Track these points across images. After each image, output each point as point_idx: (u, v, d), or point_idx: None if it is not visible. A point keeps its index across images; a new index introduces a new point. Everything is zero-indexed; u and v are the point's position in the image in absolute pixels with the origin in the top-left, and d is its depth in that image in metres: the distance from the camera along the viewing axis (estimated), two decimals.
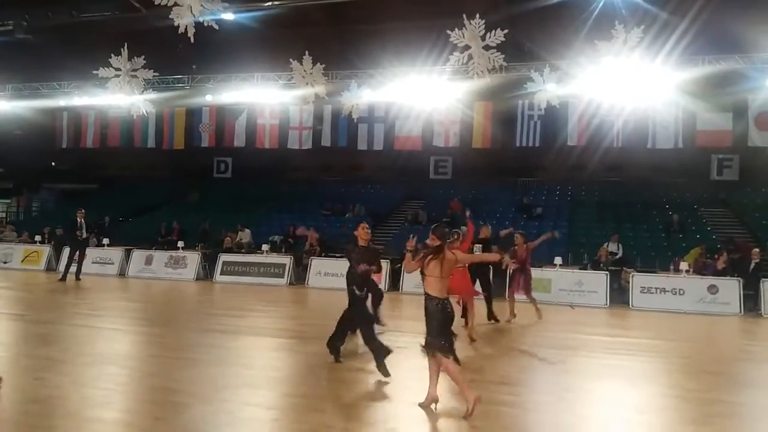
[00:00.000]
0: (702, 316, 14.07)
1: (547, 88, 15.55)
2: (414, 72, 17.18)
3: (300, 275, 18.23)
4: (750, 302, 14.51)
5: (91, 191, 31.42)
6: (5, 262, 20.68)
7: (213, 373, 7.37)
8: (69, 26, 19.02)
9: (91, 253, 19.21)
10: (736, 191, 23.50)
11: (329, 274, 17.57)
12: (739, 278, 14.67)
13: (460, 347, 9.47)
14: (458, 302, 9.94)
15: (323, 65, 15.99)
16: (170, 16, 10.87)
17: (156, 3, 10.57)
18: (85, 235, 17.78)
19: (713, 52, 15.53)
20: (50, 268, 20.12)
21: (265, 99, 19.80)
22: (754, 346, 11.33)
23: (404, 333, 10.98)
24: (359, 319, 7.78)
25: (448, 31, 12.86)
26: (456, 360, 6.34)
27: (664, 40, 13.91)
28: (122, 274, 19.31)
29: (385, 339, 8.25)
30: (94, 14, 18.19)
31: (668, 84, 15.32)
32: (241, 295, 15.79)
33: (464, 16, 12.83)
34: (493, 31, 12.63)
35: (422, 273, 6.23)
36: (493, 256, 9.08)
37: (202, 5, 10.90)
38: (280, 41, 21.30)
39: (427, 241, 6.28)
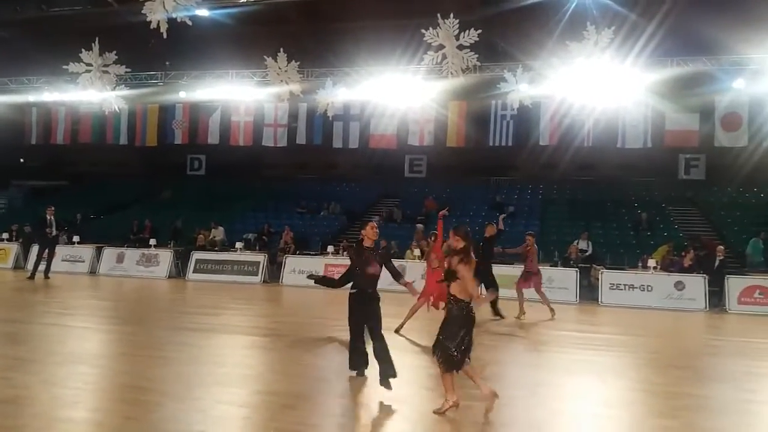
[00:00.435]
0: (669, 311, 14.40)
1: (520, 88, 15.76)
2: (389, 71, 17.26)
3: (274, 273, 18.17)
4: (715, 298, 14.88)
5: (61, 188, 30.86)
6: None
7: (185, 372, 7.34)
8: (38, 20, 18.72)
9: (61, 250, 18.89)
10: (702, 190, 24.05)
11: (304, 271, 17.53)
12: (704, 275, 15.04)
13: (429, 343, 9.58)
14: (433, 305, 10.00)
15: (298, 63, 15.98)
16: (143, 12, 10.79)
17: None
18: (54, 233, 17.47)
19: (681, 53, 15.89)
20: (18, 266, 19.75)
21: (239, 96, 19.69)
22: (719, 341, 11.62)
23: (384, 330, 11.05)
24: (353, 319, 7.20)
25: (423, 31, 12.96)
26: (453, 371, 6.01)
27: (633, 42, 14.20)
28: (93, 272, 19.04)
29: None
30: (64, 8, 17.93)
31: (638, 85, 15.64)
32: (214, 293, 15.70)
33: (439, 15, 12.94)
34: (467, 31, 12.77)
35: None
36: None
37: (175, 1, 10.83)
38: (255, 38, 21.20)
39: (450, 243, 6.09)
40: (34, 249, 18.29)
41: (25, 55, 21.45)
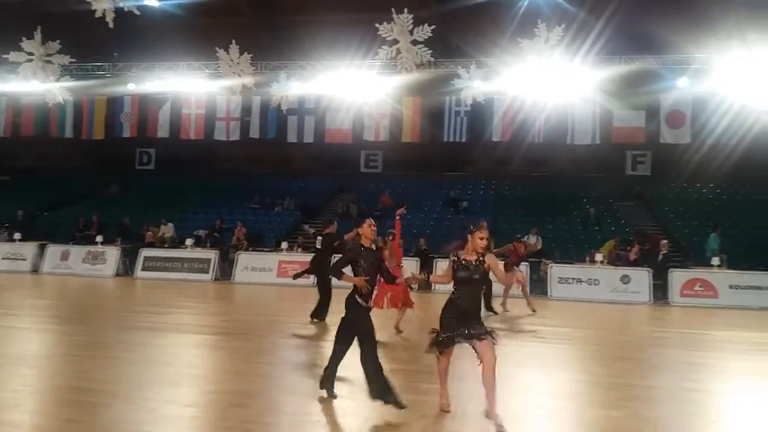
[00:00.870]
0: (615, 304, 14.82)
1: (473, 85, 15.92)
2: (344, 65, 17.18)
3: (226, 271, 17.90)
4: (659, 291, 15.40)
5: (2, 183, 29.60)
6: None
7: (133, 372, 7.17)
8: None
9: (1, 248, 18.18)
10: (648, 186, 24.80)
11: (257, 269, 17.36)
12: (649, 269, 15.54)
13: (384, 339, 9.62)
14: (399, 307, 10.02)
15: (251, 55, 15.74)
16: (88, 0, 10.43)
17: None
18: None
19: (628, 52, 16.31)
20: None
21: (190, 88, 19.25)
22: (662, 333, 12.03)
23: (333, 325, 11.03)
24: (349, 335, 6.20)
25: (377, 25, 12.94)
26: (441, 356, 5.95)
27: (582, 40, 14.52)
28: (36, 270, 18.38)
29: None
30: None
31: (586, 82, 15.99)
32: (164, 291, 15.37)
33: (393, 10, 12.95)
34: (421, 27, 12.82)
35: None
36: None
37: None
38: (206, 30, 20.78)
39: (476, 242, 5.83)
40: None
41: None
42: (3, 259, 18.20)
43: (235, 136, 19.94)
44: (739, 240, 17.94)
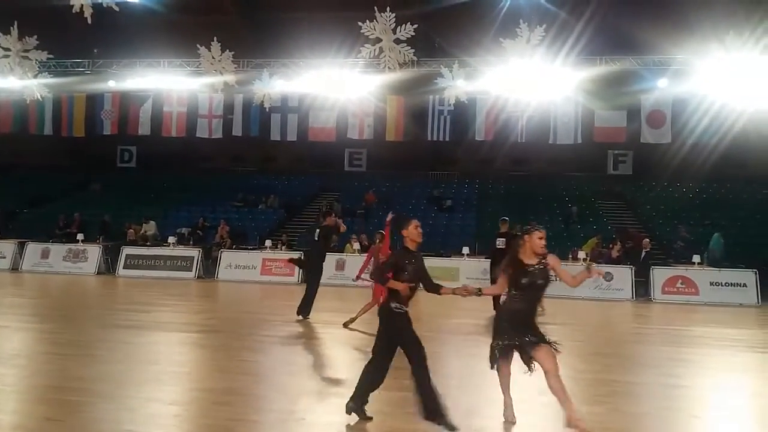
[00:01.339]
0: (597, 301, 14.96)
1: (456, 84, 15.95)
2: (327, 63, 17.13)
3: (209, 269, 17.79)
4: (641, 288, 15.57)
5: None
6: None
7: (115, 370, 7.09)
8: None
9: None
10: (630, 185, 25.08)
11: (240, 267, 17.27)
12: (631, 266, 15.71)
13: (368, 337, 9.62)
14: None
15: (233, 53, 15.62)
16: None
17: None
18: None
19: (609, 52, 16.47)
20: None
21: (172, 86, 19.08)
22: (644, 329, 12.17)
23: (317, 323, 11.03)
24: (403, 341, 5.55)
25: (360, 23, 12.91)
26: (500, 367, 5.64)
27: (564, 40, 14.61)
28: (15, 268, 18.12)
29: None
30: None
31: (568, 82, 16.11)
32: (146, 289, 15.22)
33: (375, 8, 12.92)
34: (404, 26, 12.80)
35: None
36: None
37: None
38: (188, 27, 20.64)
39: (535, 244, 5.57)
40: None
41: None
42: None
43: (218, 134, 19.81)
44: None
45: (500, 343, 5.50)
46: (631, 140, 18.68)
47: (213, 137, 19.89)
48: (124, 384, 6.53)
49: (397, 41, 13.03)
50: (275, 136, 19.65)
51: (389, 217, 10.14)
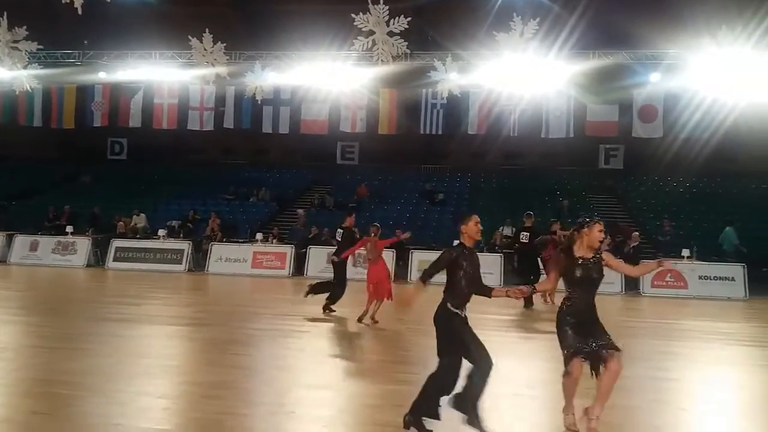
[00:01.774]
0: None
1: (450, 78, 15.91)
2: (319, 56, 17.05)
3: (200, 262, 17.72)
4: (631, 282, 15.62)
5: None
6: None
7: (104, 364, 7.05)
8: None
9: None
10: (621, 179, 25.16)
11: (231, 260, 17.22)
12: (620, 259, 15.71)
13: (359, 330, 9.63)
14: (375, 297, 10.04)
15: (224, 44, 15.51)
16: None
17: None
18: None
19: (602, 47, 16.46)
20: None
21: (163, 77, 18.94)
22: (634, 322, 12.22)
23: (308, 317, 11.02)
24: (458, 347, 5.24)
25: (353, 15, 12.85)
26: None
27: (556, 34, 14.60)
28: (3, 260, 17.99)
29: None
30: None
31: (561, 76, 16.10)
32: (136, 282, 15.15)
33: (369, 1, 12.86)
34: (397, 18, 12.75)
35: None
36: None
37: None
38: (180, 18, 20.52)
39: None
40: None
41: None
42: None
43: (209, 126, 19.71)
44: (709, 232, 18.30)
45: (569, 351, 5.24)
46: (622, 134, 18.73)
47: (204, 129, 19.80)
48: (113, 377, 6.50)
49: (391, 34, 12.97)
50: (267, 128, 19.57)
51: (376, 229, 10.21)
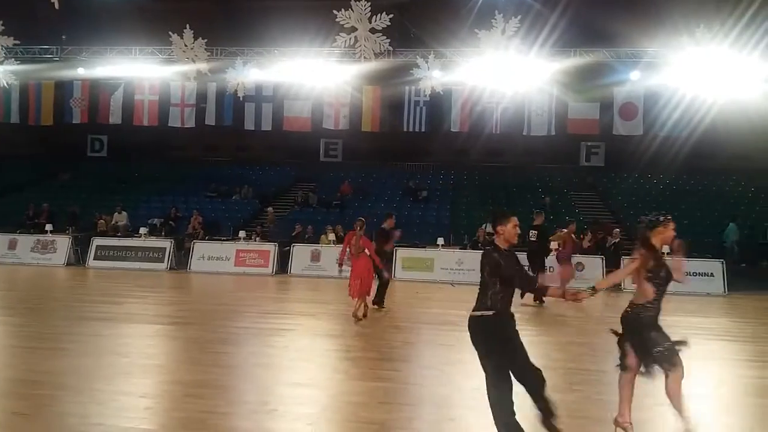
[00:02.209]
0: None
1: (432, 75, 15.97)
2: (302, 52, 16.99)
3: (182, 260, 17.57)
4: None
5: None
6: None
7: (84, 363, 6.97)
8: None
9: None
10: (602, 176, 25.40)
11: (213, 258, 17.10)
12: (602, 255, 15.92)
13: (343, 328, 9.62)
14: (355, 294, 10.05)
15: (205, 41, 15.42)
16: None
17: None
18: None
19: (583, 44, 16.61)
20: None
21: (143, 74, 18.76)
22: (615, 318, 12.21)
23: (291, 314, 10.99)
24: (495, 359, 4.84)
25: (335, 11, 12.84)
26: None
27: (538, 32, 14.71)
28: None
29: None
30: None
31: (542, 74, 16.22)
32: (117, 280, 14.99)
33: None
34: (379, 15, 12.77)
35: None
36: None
37: None
38: (160, 14, 20.29)
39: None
40: None
41: None
42: None
43: (190, 123, 19.58)
44: (688, 228, 18.53)
45: (668, 350, 5.05)
46: (603, 132, 18.92)
47: (186, 126, 19.66)
48: (93, 377, 6.42)
49: (373, 31, 13.00)
50: (249, 125, 19.48)
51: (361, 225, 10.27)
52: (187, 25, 15.49)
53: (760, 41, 14.69)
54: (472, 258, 16.21)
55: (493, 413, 4.72)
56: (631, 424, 5.15)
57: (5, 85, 16.21)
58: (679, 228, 16.52)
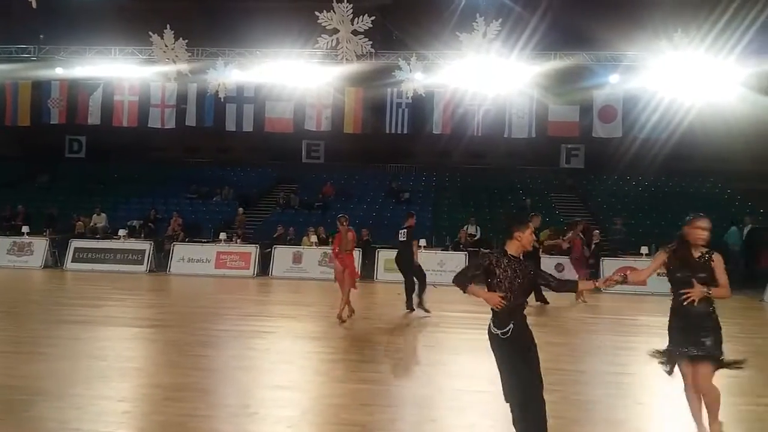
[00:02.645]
0: (550, 291, 15.19)
1: (414, 77, 16.02)
2: (284, 53, 16.95)
3: (161, 262, 17.41)
4: (591, 279, 15.92)
5: None
6: None
7: (61, 367, 6.89)
8: None
9: None
10: (582, 178, 25.66)
11: (194, 260, 16.97)
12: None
13: (324, 330, 9.61)
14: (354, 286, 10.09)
15: (186, 41, 15.31)
16: None
17: None
18: None
19: (563, 48, 16.77)
20: None
21: (123, 74, 18.56)
22: (593, 318, 12.46)
23: (272, 317, 10.96)
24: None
25: (317, 13, 12.82)
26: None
27: (518, 35, 14.83)
28: None
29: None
30: None
31: (523, 77, 16.36)
32: (96, 283, 14.81)
33: None
34: (361, 17, 12.78)
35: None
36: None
37: None
38: (140, 13, 20.11)
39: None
40: None
41: None
42: None
43: (171, 124, 19.40)
44: (666, 230, 18.77)
45: (667, 348, 5.13)
46: (583, 134, 19.09)
47: (166, 127, 19.47)
48: (71, 381, 6.35)
49: (355, 32, 13.01)
50: (230, 126, 19.36)
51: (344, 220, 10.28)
52: (168, 26, 15.35)
53: (735, 46, 14.97)
54: (454, 259, 16.31)
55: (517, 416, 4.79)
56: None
57: None
58: (658, 229, 16.79)
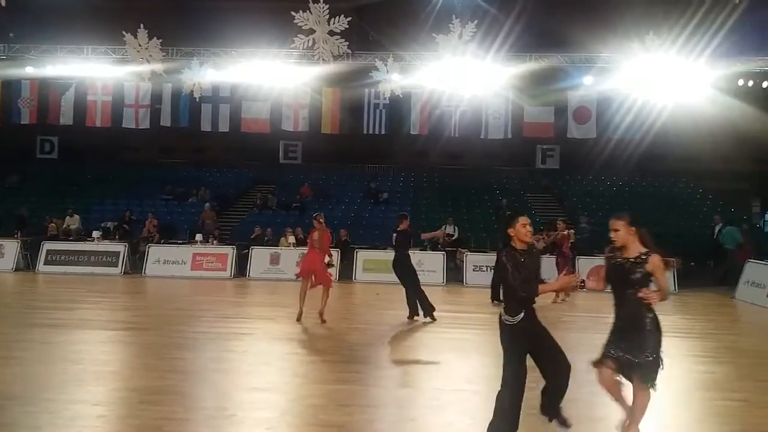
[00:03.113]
0: None
1: (392, 78, 16.05)
2: (260, 53, 16.84)
3: (136, 264, 17.19)
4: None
5: None
6: None
7: (34, 372, 6.77)
8: None
9: None
10: (557, 178, 25.95)
11: (169, 262, 16.78)
12: (556, 256, 16.23)
13: (302, 331, 9.57)
14: (313, 285, 10.05)
15: (160, 40, 15.12)
16: None
17: None
18: None
19: (537, 49, 16.92)
20: None
21: (96, 74, 18.26)
22: (570, 316, 12.60)
23: (250, 318, 10.89)
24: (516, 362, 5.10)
25: (293, 13, 12.77)
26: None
27: (494, 36, 14.94)
28: None
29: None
30: None
31: (499, 78, 16.48)
32: (69, 286, 14.57)
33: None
34: (338, 17, 12.77)
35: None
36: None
37: None
38: (113, 12, 19.80)
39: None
40: None
41: None
42: None
43: (145, 125, 19.12)
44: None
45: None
46: (558, 135, 19.30)
47: (140, 128, 19.18)
48: (44, 386, 6.24)
49: (331, 33, 12.98)
50: (206, 126, 19.14)
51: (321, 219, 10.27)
52: (142, 25, 15.15)
53: (705, 48, 15.27)
54: (432, 259, 16.38)
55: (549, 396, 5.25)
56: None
57: None
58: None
